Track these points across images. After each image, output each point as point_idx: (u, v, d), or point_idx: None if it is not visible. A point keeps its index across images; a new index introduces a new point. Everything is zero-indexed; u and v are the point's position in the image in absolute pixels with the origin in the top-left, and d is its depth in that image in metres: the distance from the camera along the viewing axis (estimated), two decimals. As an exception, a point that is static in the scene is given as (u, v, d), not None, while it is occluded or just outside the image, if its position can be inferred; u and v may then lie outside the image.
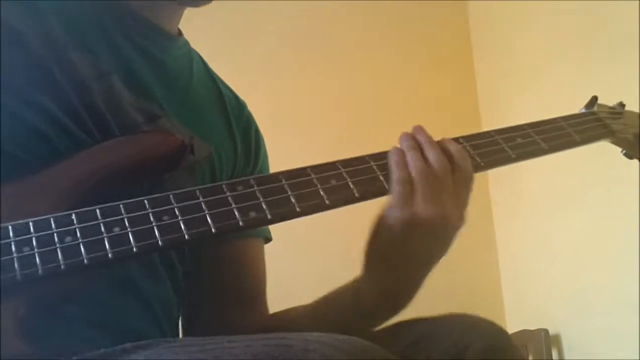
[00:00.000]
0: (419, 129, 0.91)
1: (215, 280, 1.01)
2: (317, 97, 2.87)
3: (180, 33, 1.03)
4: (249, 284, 1.04)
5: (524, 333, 2.61)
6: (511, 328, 2.76)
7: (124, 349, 0.67)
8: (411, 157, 0.87)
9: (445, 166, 0.86)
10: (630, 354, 2.20)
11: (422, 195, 0.84)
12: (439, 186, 0.85)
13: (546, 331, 2.56)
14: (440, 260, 0.90)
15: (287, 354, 0.59)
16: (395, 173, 0.85)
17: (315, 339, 0.61)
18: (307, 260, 2.65)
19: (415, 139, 0.89)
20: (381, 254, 0.88)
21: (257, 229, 1.03)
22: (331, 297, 0.96)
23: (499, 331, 0.87)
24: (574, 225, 2.53)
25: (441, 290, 2.77)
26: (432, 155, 0.87)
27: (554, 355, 2.56)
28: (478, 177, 3.24)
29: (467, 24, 3.13)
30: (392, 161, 0.87)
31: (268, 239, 1.08)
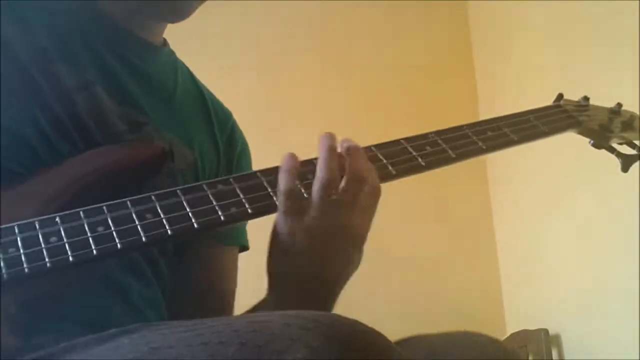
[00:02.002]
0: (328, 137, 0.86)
1: (186, 285, 1.01)
2: (316, 97, 2.88)
3: (165, 43, 1.04)
4: (221, 290, 1.04)
5: (524, 333, 2.61)
6: (511, 328, 2.77)
7: (111, 334, 0.68)
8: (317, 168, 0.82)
9: (351, 184, 0.82)
10: (630, 354, 2.20)
11: (316, 207, 0.80)
12: (337, 199, 0.81)
13: (546, 331, 2.56)
14: (349, 279, 0.85)
15: (268, 329, 0.59)
16: (282, 183, 0.81)
17: (295, 314, 0.62)
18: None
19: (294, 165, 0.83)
20: (280, 271, 0.85)
21: (233, 237, 1.04)
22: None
23: (506, 351, 0.88)
24: (574, 225, 2.53)
25: (441, 290, 2.79)
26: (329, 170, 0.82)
27: (554, 355, 2.56)
28: (477, 176, 3.24)
29: (467, 24, 3.13)
30: (282, 170, 0.83)
31: (244, 248, 1.07)
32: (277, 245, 0.83)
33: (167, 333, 0.65)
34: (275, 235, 0.83)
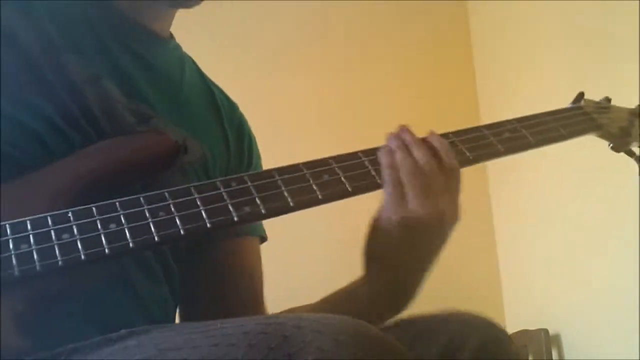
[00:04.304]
0: (405, 128, 0.92)
1: (211, 280, 1.01)
2: (317, 97, 2.88)
3: (171, 36, 1.04)
4: (246, 283, 1.04)
5: (524, 333, 2.61)
6: (511, 328, 2.76)
7: (120, 336, 0.68)
8: (399, 157, 0.88)
9: (432, 163, 0.88)
10: (630, 354, 2.20)
11: (414, 194, 0.86)
12: (429, 183, 0.87)
13: (546, 331, 2.56)
14: (438, 258, 0.91)
15: (279, 331, 0.60)
16: (386, 175, 0.87)
17: (307, 316, 0.62)
18: (306, 260, 2.65)
19: (401, 139, 0.91)
20: (379, 255, 0.89)
21: (252, 228, 1.04)
22: (331, 299, 0.97)
23: (495, 328, 0.88)
24: (574, 225, 2.53)
25: (441, 290, 2.77)
26: (418, 153, 0.89)
27: (554, 355, 2.55)
28: (478, 177, 3.25)
29: (467, 24, 3.13)
30: (383, 163, 0.89)
31: (263, 239, 1.09)
32: (376, 232, 0.88)
33: (176, 335, 0.65)
34: (376, 222, 0.88)
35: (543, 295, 2.69)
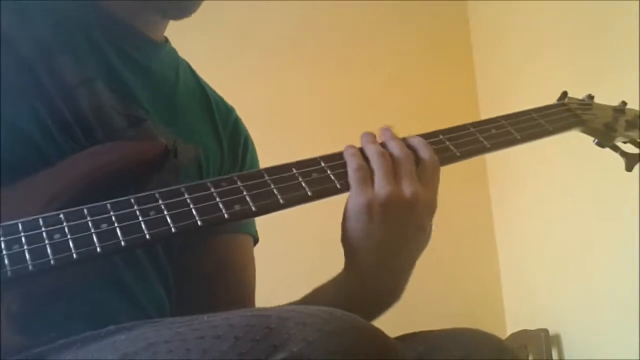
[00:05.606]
0: (384, 128, 0.92)
1: (202, 276, 1.01)
2: (317, 97, 2.88)
3: (166, 40, 1.05)
4: (237, 279, 1.04)
5: (524, 333, 2.61)
6: (511, 328, 2.77)
7: (108, 331, 0.68)
8: (368, 148, 0.88)
9: (405, 152, 0.88)
10: (630, 354, 2.20)
11: (378, 175, 0.85)
12: (397, 168, 0.86)
13: (546, 331, 2.56)
14: (420, 254, 0.90)
15: (264, 322, 0.60)
16: (349, 162, 0.86)
17: (293, 308, 0.62)
18: (299, 258, 2.65)
19: (375, 136, 0.91)
20: (352, 245, 0.87)
21: (245, 227, 1.05)
22: (312, 297, 0.95)
23: (505, 348, 0.87)
24: (574, 225, 2.53)
25: (441, 290, 2.79)
26: (391, 145, 0.89)
27: (554, 355, 2.56)
28: (477, 176, 3.24)
29: (467, 24, 3.13)
30: (346, 153, 0.88)
31: (255, 239, 1.08)
32: (346, 222, 0.86)
33: (164, 328, 0.66)
34: (345, 211, 0.86)
35: (543, 295, 2.69)
